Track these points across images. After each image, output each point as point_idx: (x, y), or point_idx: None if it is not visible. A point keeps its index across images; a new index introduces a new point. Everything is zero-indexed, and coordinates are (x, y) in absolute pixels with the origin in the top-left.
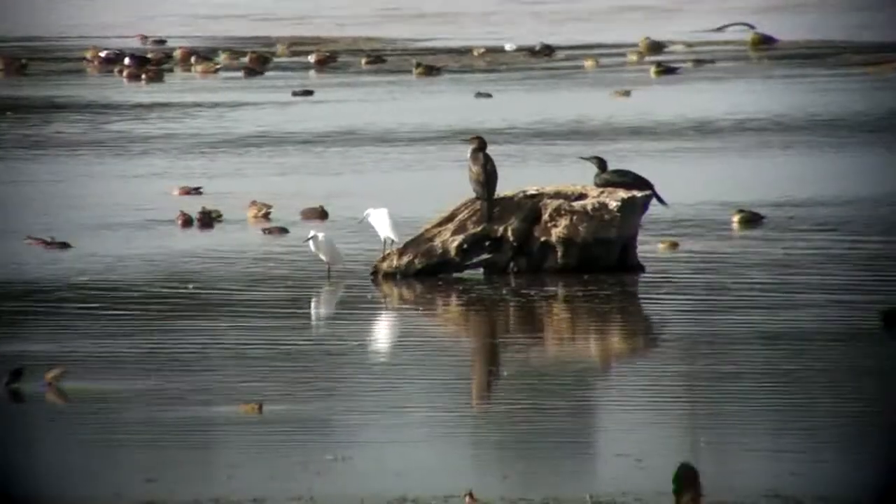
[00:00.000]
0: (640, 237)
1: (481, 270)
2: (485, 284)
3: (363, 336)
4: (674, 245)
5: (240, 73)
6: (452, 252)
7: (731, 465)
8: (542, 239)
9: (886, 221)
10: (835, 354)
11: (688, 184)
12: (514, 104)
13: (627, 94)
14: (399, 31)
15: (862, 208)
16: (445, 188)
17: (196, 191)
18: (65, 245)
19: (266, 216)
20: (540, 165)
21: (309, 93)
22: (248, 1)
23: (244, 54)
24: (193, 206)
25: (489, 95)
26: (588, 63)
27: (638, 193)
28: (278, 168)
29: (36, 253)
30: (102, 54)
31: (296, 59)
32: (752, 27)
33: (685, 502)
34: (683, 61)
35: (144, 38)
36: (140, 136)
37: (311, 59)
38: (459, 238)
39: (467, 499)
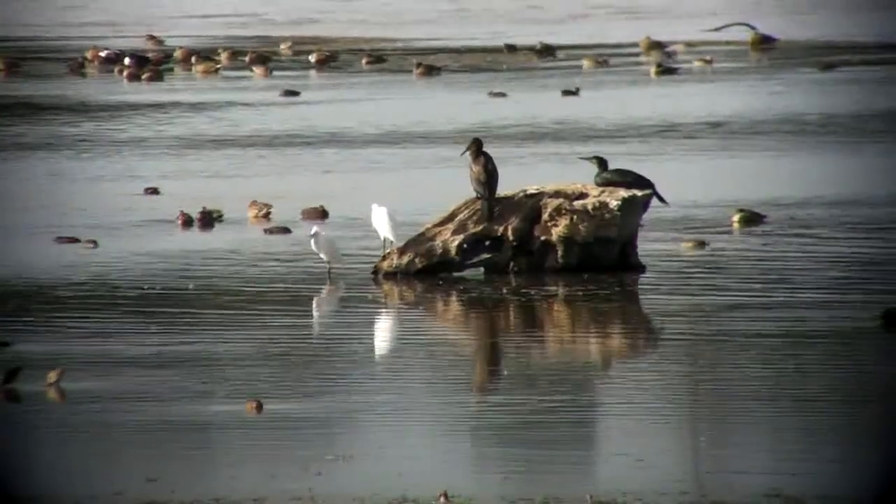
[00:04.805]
0: (654, 236)
1: (482, 270)
2: (485, 284)
3: (363, 335)
4: (700, 244)
5: (242, 73)
6: (453, 252)
7: (731, 465)
8: (543, 238)
9: (886, 221)
10: (835, 354)
11: (688, 183)
12: (513, 103)
13: (576, 92)
14: (399, 31)
15: (862, 208)
16: (445, 188)
17: (154, 191)
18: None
19: (266, 216)
20: (539, 165)
21: (296, 93)
22: (250, 1)
23: (244, 54)
24: (175, 207)
25: (503, 94)
26: (587, 63)
27: (638, 192)
28: (278, 168)
29: (37, 252)
30: (103, 54)
31: (297, 58)
32: (752, 27)
33: None
34: (689, 61)
35: (151, 37)
36: (137, 137)
37: (312, 58)
38: (460, 238)
39: (442, 499)
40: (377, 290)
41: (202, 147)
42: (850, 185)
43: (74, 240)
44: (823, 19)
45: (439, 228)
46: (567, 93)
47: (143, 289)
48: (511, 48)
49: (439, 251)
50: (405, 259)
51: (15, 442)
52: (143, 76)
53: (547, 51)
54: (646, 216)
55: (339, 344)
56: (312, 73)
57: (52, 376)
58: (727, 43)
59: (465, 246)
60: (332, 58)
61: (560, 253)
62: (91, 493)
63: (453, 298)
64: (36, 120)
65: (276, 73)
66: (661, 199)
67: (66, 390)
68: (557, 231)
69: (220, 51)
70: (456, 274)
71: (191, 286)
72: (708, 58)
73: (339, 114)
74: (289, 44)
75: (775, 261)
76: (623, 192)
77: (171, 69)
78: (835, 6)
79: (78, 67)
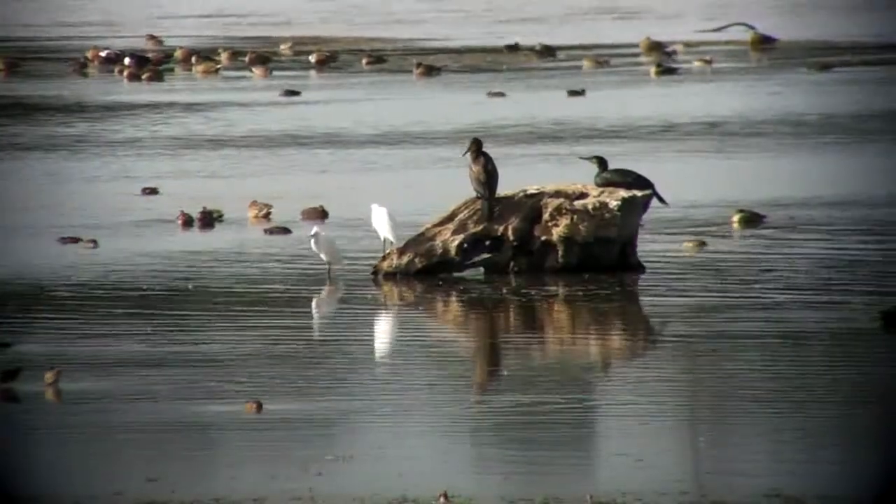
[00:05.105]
0: (654, 236)
1: (482, 270)
2: (485, 284)
3: (363, 336)
4: (701, 244)
5: (242, 73)
6: (453, 251)
7: (731, 465)
8: (543, 238)
9: (886, 222)
10: (835, 354)
11: (687, 183)
12: (512, 103)
13: (582, 93)
14: (400, 31)
15: (861, 208)
16: (443, 188)
17: (152, 191)
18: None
19: (266, 216)
20: (539, 165)
21: (296, 93)
22: (250, 1)
23: (244, 54)
24: (173, 207)
25: (502, 94)
26: (587, 63)
27: (638, 193)
28: (276, 168)
29: (37, 252)
30: (103, 54)
31: (297, 58)
32: (752, 27)
33: None
34: (688, 61)
35: (152, 37)
36: (134, 137)
37: (312, 59)
38: (460, 237)
39: (442, 499)
40: (377, 290)
41: (200, 147)
42: (849, 185)
43: (78, 240)
44: (823, 19)
45: (439, 228)
46: (573, 93)
47: (143, 289)
48: (511, 48)
49: (439, 251)
50: (405, 259)
51: (15, 442)
52: (143, 76)
53: (547, 51)
54: (646, 216)
55: (338, 344)
56: (312, 73)
57: (49, 377)
58: (727, 43)
59: (465, 246)
60: (332, 58)
61: (560, 253)
62: (91, 493)
63: (453, 299)
64: (34, 120)
65: (276, 73)
66: (660, 199)
67: (67, 390)
68: (558, 231)
69: (220, 51)
70: (456, 274)
71: (191, 286)
72: (708, 58)
73: (338, 114)
74: (289, 44)
75: (775, 261)
76: (623, 193)
77: (172, 69)
78: (835, 6)
79: (81, 67)
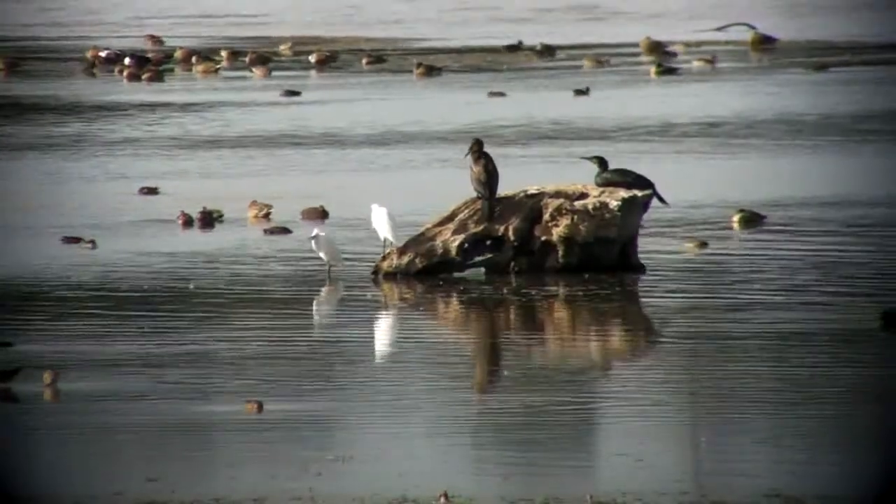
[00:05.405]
0: (654, 236)
1: (482, 270)
2: (486, 284)
3: (363, 336)
4: (702, 244)
5: (242, 74)
6: (453, 252)
7: (731, 465)
8: (543, 238)
9: (885, 222)
10: (834, 355)
11: (688, 183)
12: (513, 103)
13: (586, 92)
14: (399, 31)
15: (861, 208)
16: (442, 188)
17: (151, 191)
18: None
19: (266, 216)
20: (539, 165)
21: (297, 93)
22: (250, 1)
23: (244, 54)
24: (173, 207)
25: (502, 94)
26: (587, 63)
27: (639, 193)
28: (275, 168)
29: (37, 252)
30: (103, 54)
31: (297, 58)
32: (752, 27)
33: None
34: (688, 61)
35: (152, 37)
36: (133, 137)
37: (312, 59)
38: (460, 237)
39: (442, 499)
40: (377, 290)
41: (199, 147)
42: (848, 185)
43: (80, 239)
44: (823, 19)
45: (439, 228)
46: (579, 92)
47: (143, 289)
48: (511, 48)
49: (440, 251)
50: (405, 259)
51: (15, 442)
52: (143, 76)
53: (547, 51)
54: (646, 216)
55: (338, 344)
56: (312, 73)
57: (48, 378)
58: (727, 43)
59: (465, 246)
60: (332, 58)
61: (560, 253)
62: (91, 493)
63: (453, 299)
64: (33, 120)
65: (276, 73)
66: (661, 199)
67: (67, 390)
68: (558, 231)
69: (220, 51)
70: (456, 274)
71: (191, 286)
72: (708, 58)
73: (339, 114)
74: (289, 44)
75: (775, 261)
76: (623, 193)
77: (172, 69)
78: (835, 6)
79: (89, 67)
